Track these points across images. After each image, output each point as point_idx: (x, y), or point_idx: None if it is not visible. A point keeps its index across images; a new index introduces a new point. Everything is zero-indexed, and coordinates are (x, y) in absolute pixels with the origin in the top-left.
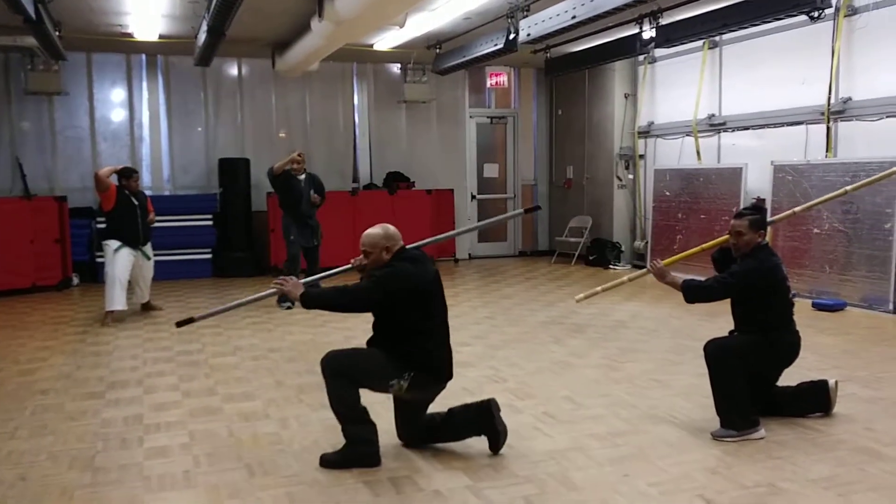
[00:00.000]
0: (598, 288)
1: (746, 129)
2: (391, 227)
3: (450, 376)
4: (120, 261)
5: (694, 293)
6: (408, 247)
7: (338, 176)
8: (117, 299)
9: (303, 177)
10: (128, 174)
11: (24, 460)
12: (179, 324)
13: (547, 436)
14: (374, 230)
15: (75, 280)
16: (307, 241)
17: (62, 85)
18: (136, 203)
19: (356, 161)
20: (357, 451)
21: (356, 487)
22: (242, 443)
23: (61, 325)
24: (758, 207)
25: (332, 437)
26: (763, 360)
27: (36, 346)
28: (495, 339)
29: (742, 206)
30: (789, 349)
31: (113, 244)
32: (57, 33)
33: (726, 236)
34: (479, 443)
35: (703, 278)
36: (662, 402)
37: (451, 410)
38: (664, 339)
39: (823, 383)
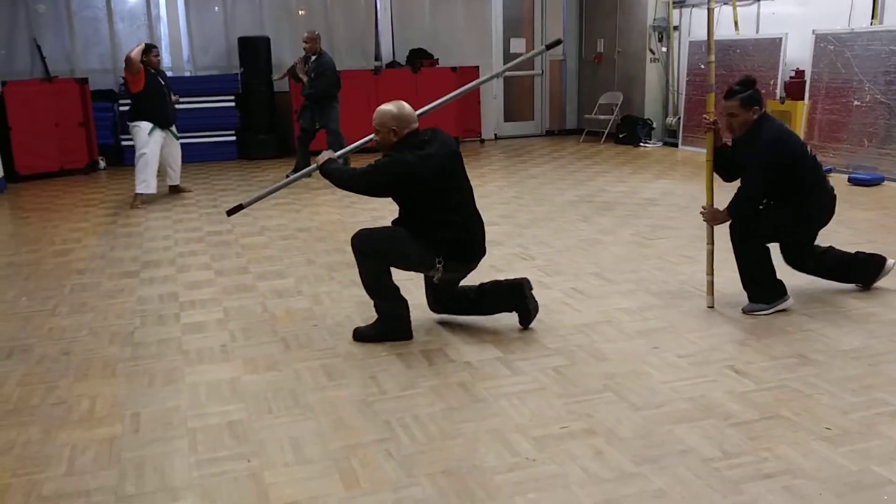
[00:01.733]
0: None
1: None
2: (406, 108)
3: (482, 254)
4: (153, 143)
5: (736, 210)
6: (422, 130)
7: (359, 54)
8: (151, 182)
9: (314, 58)
10: (147, 49)
11: (66, 336)
12: (230, 212)
13: (576, 310)
14: (387, 107)
15: (102, 164)
16: (305, 122)
17: None
18: (163, 82)
19: (378, 38)
20: (389, 325)
21: (389, 359)
22: (277, 318)
23: (91, 208)
24: (748, 82)
25: (365, 312)
26: (798, 232)
27: (69, 227)
28: (523, 219)
29: (781, 78)
30: (822, 211)
31: (145, 126)
32: None
33: (710, 133)
34: (509, 317)
35: None
36: (692, 278)
37: (482, 286)
38: (694, 216)
39: (881, 260)
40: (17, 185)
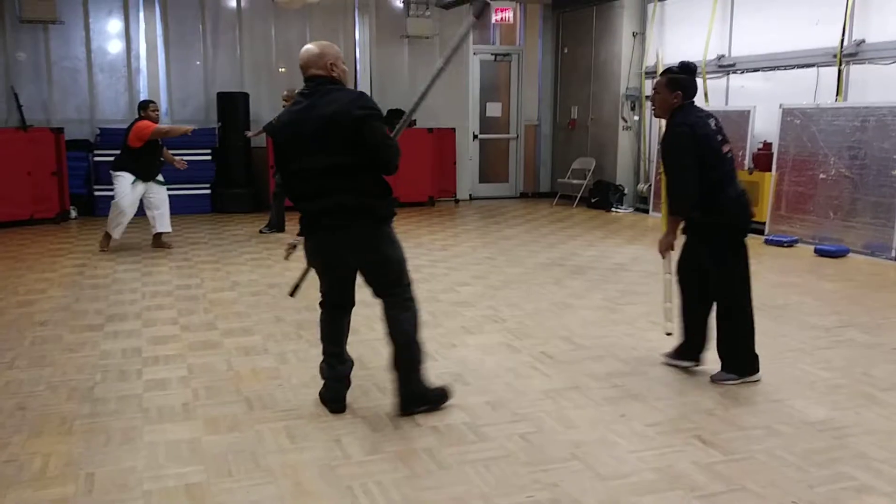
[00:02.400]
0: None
1: (756, 70)
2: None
3: (323, 235)
4: (133, 195)
5: (677, 208)
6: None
7: None
8: (120, 229)
9: None
10: (145, 105)
11: (23, 390)
12: (292, 293)
13: (545, 375)
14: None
15: (73, 213)
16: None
17: (57, 13)
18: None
19: None
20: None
21: (354, 422)
22: (241, 376)
23: (59, 258)
24: (687, 68)
25: None
26: (740, 248)
27: (34, 277)
28: (495, 280)
29: (749, 150)
30: (741, 207)
31: (128, 178)
32: None
33: None
34: (477, 381)
35: None
36: (661, 345)
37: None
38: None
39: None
40: None
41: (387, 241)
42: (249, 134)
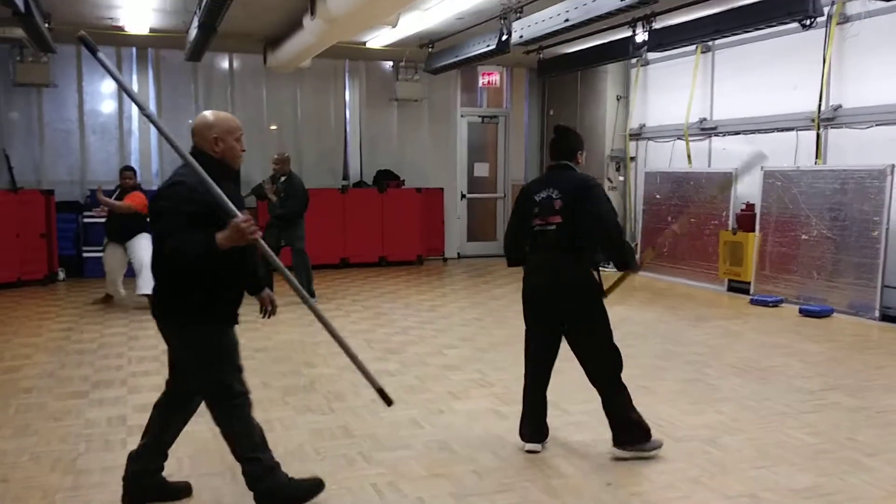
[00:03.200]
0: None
1: (737, 133)
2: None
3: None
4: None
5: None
6: None
7: (328, 173)
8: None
9: (283, 178)
10: (121, 171)
11: (7, 461)
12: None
13: None
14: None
15: (61, 275)
16: (271, 239)
17: (51, 77)
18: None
19: (347, 158)
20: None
21: (339, 493)
22: (226, 446)
23: (46, 322)
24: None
25: (317, 441)
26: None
27: (20, 342)
28: (483, 342)
29: (732, 210)
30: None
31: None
32: (46, 25)
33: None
34: (464, 449)
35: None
36: (648, 409)
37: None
38: (651, 344)
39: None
40: None
41: (189, 343)
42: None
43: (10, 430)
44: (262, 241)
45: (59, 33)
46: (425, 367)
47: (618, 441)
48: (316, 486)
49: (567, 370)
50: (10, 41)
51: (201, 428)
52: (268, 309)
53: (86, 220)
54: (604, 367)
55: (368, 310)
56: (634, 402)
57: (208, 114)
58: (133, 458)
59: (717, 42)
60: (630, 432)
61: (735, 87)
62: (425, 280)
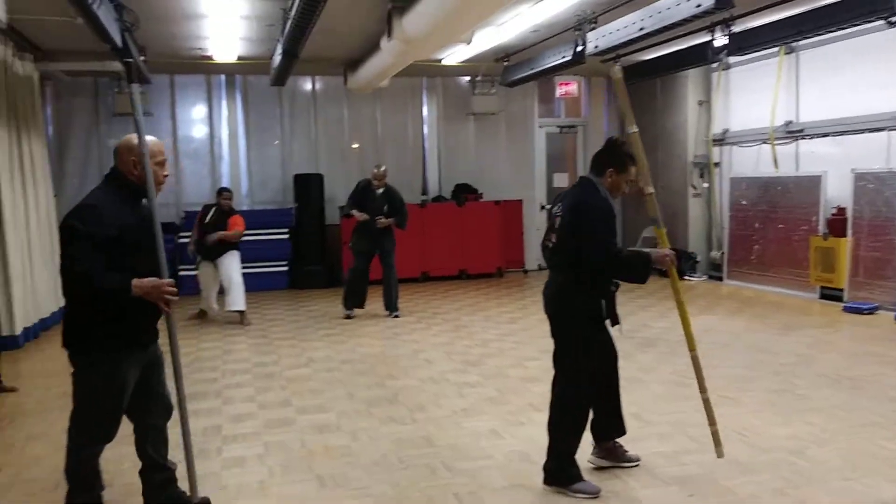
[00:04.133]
0: None
1: (825, 135)
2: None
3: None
4: (201, 271)
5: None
6: None
7: (407, 189)
8: (203, 301)
9: (380, 191)
10: (219, 192)
11: (109, 468)
12: None
13: None
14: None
15: None
16: (363, 246)
17: (148, 106)
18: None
19: (425, 173)
20: None
21: (422, 501)
22: (314, 454)
23: None
24: (607, 141)
25: (400, 450)
26: None
27: None
28: None
29: (822, 215)
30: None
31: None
32: (142, 58)
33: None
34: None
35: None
36: (733, 421)
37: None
38: (738, 354)
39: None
40: None
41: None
42: (361, 217)
43: (113, 441)
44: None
45: (154, 65)
46: (505, 378)
47: (545, 476)
48: None
49: (647, 381)
50: (109, 74)
51: (290, 437)
52: None
53: (181, 240)
54: (556, 400)
55: (449, 322)
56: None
57: (132, 136)
58: (141, 478)
59: (800, 43)
60: (553, 475)
61: (821, 87)
62: (505, 292)
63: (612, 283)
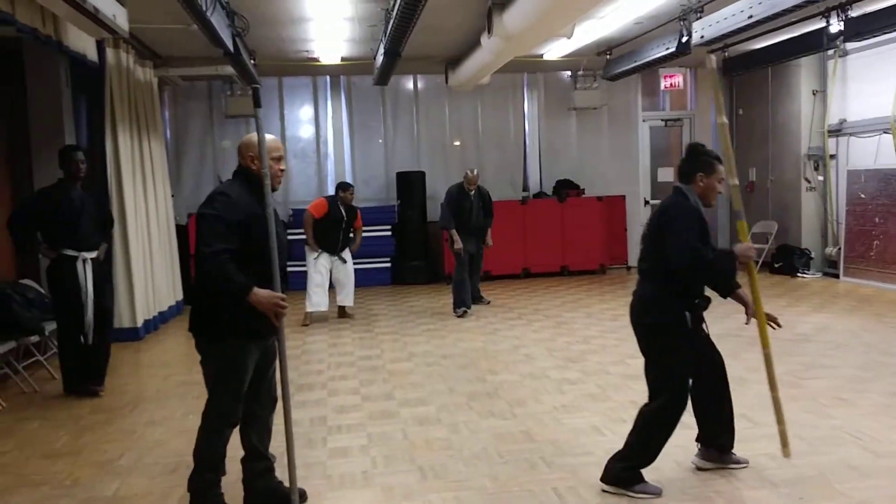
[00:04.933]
0: None
1: None
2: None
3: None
4: (318, 266)
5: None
6: None
7: (508, 185)
8: (314, 301)
9: (472, 193)
10: (344, 187)
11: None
12: None
13: None
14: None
15: None
16: (471, 247)
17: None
18: (343, 216)
19: (526, 169)
20: None
21: (521, 496)
22: (416, 446)
23: None
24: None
25: (500, 444)
26: None
27: None
28: None
29: None
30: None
31: (312, 252)
32: (252, 62)
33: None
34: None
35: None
36: (847, 423)
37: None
38: (854, 355)
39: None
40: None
41: (210, 359)
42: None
43: None
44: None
45: (263, 68)
46: (607, 375)
47: (605, 474)
48: None
49: (753, 381)
50: (222, 78)
51: (393, 429)
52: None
53: (290, 237)
54: (643, 412)
55: (549, 319)
56: (831, 416)
57: (251, 135)
58: (242, 465)
59: None
60: (616, 475)
61: None
62: (608, 289)
63: (701, 297)
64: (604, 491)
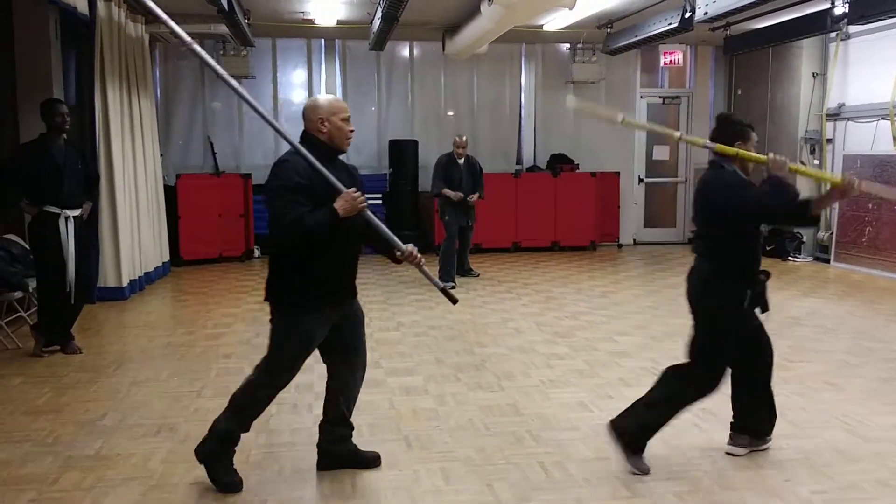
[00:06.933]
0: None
1: None
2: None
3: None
4: None
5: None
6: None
7: (502, 157)
8: None
9: (462, 161)
10: None
11: (210, 417)
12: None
13: (705, 433)
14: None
15: (257, 252)
16: (461, 220)
17: (250, 69)
18: None
19: (521, 143)
20: None
21: (507, 468)
22: (402, 416)
23: (244, 294)
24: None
25: (487, 416)
26: None
27: (222, 312)
28: (656, 331)
29: None
30: None
31: None
32: (246, 21)
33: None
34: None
35: None
36: (834, 407)
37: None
38: (843, 339)
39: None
40: (180, 268)
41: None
42: (457, 197)
43: (212, 391)
44: (369, 212)
45: (258, 28)
46: (595, 352)
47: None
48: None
49: None
50: (215, 37)
51: (379, 398)
52: (417, 258)
53: None
54: (667, 380)
55: (539, 293)
56: (819, 400)
57: (317, 96)
58: (322, 428)
59: None
60: (628, 430)
61: None
62: (598, 266)
63: (761, 270)
64: (607, 437)
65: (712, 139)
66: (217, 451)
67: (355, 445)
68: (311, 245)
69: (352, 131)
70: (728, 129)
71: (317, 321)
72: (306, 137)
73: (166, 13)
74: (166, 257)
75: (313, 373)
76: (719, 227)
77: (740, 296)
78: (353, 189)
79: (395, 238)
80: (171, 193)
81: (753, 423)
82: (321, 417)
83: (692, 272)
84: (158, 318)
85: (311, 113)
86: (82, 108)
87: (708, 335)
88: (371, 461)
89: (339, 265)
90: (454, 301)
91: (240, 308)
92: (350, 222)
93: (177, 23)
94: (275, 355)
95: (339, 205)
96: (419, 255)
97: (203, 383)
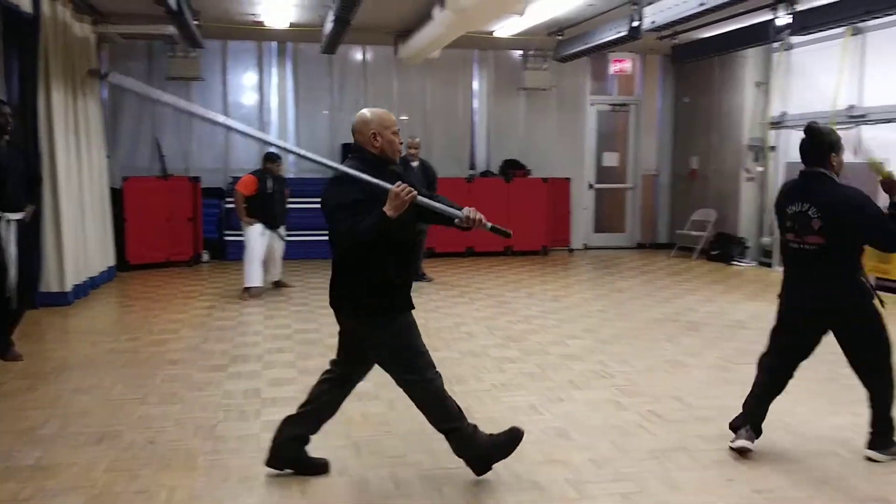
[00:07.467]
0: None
1: (890, 121)
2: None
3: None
4: (260, 241)
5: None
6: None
7: (454, 162)
8: (255, 276)
9: (416, 163)
10: (271, 159)
11: (154, 425)
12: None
13: (652, 434)
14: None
15: (205, 256)
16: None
17: (200, 71)
18: (273, 189)
19: (473, 148)
20: None
21: (457, 473)
22: (352, 421)
23: (191, 300)
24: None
25: None
26: None
27: (168, 318)
28: (606, 334)
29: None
30: None
31: (256, 226)
32: (195, 22)
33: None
34: (582, 437)
35: None
36: (777, 408)
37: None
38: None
39: None
40: (127, 273)
41: (378, 336)
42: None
43: (157, 398)
44: (422, 196)
45: (207, 30)
46: (546, 355)
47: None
48: (516, 435)
49: (692, 366)
50: (163, 38)
51: None
52: (479, 219)
53: (227, 205)
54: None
55: (492, 298)
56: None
57: (366, 111)
58: (289, 423)
59: (868, 23)
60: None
61: (889, 71)
62: (550, 270)
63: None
64: (868, 459)
65: (807, 153)
66: (480, 450)
67: (306, 452)
68: (377, 248)
69: (401, 143)
70: (823, 139)
71: (407, 311)
72: (356, 149)
73: (114, 13)
74: (112, 262)
75: (261, 379)
76: (859, 239)
77: (870, 290)
78: (397, 183)
79: (452, 209)
80: (117, 196)
81: (762, 420)
82: (291, 412)
83: (809, 280)
84: (103, 323)
85: (363, 127)
86: (25, 109)
87: (871, 328)
88: (320, 467)
89: (411, 256)
90: (508, 234)
91: (186, 313)
92: (406, 217)
93: (124, 23)
94: (412, 352)
95: (388, 206)
96: (479, 216)
97: (147, 390)
